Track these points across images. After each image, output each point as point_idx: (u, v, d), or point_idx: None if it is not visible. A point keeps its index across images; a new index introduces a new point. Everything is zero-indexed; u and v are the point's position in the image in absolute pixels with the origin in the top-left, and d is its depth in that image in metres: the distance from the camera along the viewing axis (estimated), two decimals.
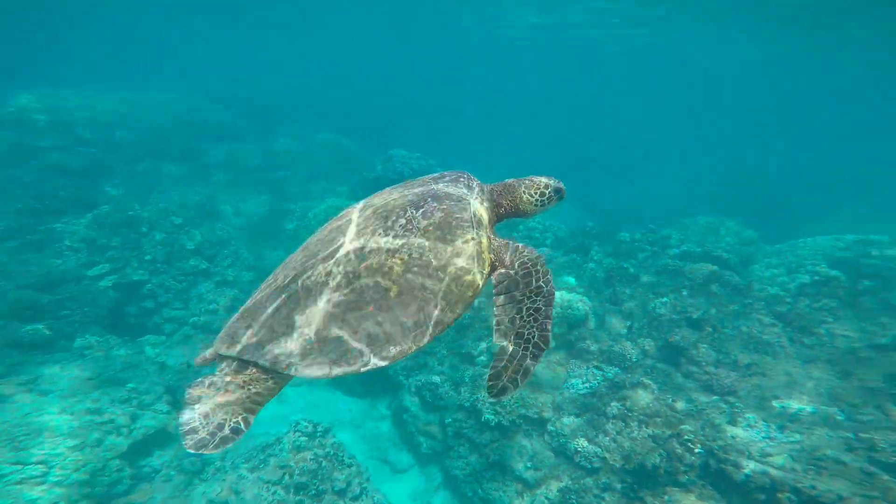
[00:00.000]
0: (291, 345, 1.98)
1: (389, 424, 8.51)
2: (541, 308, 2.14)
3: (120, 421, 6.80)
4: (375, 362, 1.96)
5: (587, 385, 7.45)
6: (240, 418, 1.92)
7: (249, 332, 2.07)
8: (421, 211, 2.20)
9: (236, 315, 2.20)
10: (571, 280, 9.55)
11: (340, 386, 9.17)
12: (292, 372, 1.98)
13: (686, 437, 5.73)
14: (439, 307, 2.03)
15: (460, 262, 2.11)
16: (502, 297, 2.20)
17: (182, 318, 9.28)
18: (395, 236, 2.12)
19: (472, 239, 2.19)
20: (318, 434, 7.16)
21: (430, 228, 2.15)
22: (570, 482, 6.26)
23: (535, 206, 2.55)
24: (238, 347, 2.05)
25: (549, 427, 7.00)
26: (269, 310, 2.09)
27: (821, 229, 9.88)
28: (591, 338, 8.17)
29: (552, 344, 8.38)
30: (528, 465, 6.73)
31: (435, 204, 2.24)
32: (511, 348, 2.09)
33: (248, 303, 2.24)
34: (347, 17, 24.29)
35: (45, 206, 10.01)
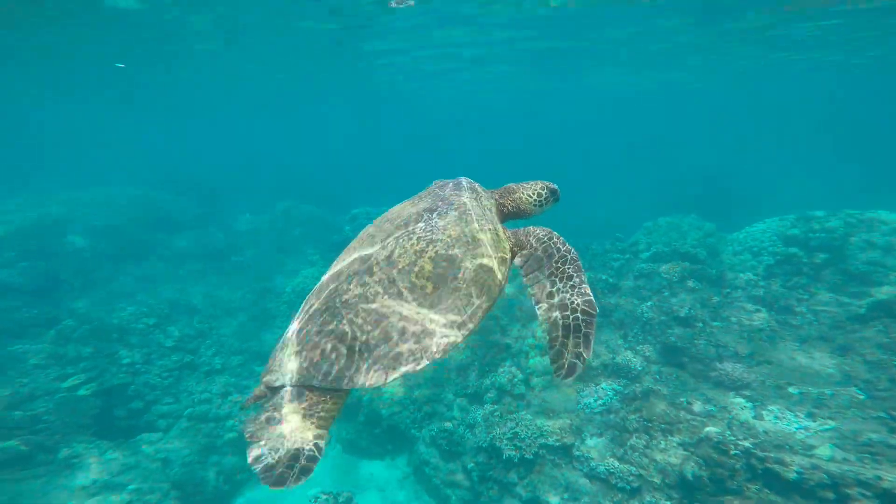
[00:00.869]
0: (343, 359, 1.86)
1: (413, 481, 7.35)
2: (572, 274, 2.02)
3: None
4: (428, 358, 1.83)
5: (601, 402, 6.64)
6: (311, 445, 1.72)
7: (297, 357, 1.93)
8: (436, 213, 2.14)
9: (278, 346, 2.05)
10: None
11: (354, 451, 7.99)
12: (351, 385, 1.85)
13: (715, 439, 4.97)
14: (474, 294, 1.94)
15: (482, 250, 2.05)
16: (531, 275, 2.09)
17: (176, 411, 7.98)
18: (418, 239, 2.03)
19: (489, 229, 2.14)
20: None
21: (449, 226, 2.08)
22: None
23: (534, 205, 2.46)
24: (289, 376, 1.91)
25: (575, 452, 6.09)
26: (313, 331, 1.95)
27: (767, 212, 9.71)
28: (591, 355, 7.44)
29: None
30: (566, 496, 5.74)
31: (447, 206, 2.19)
32: (561, 322, 1.90)
33: (287, 333, 2.06)
34: (291, 89, 23.77)
35: None
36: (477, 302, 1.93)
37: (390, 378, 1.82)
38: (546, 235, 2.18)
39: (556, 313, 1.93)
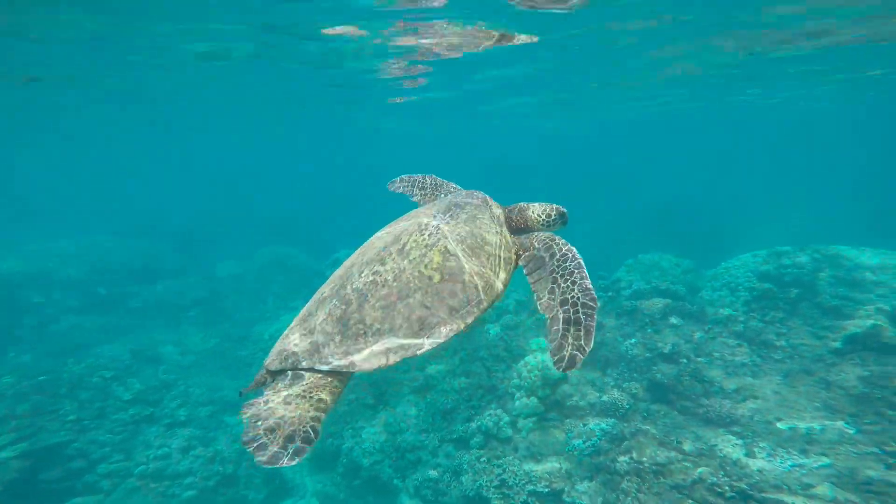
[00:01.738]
0: (347, 343, 1.91)
1: None
2: (574, 270, 2.07)
3: None
4: (430, 343, 1.91)
5: (589, 444, 6.32)
6: (308, 427, 1.73)
7: (302, 341, 1.99)
8: (449, 214, 2.26)
9: (284, 333, 2.10)
10: (542, 341, 8.71)
11: None
12: (353, 369, 1.90)
13: (709, 480, 4.72)
14: (479, 287, 2.03)
15: (490, 249, 2.16)
16: (534, 274, 2.16)
17: (124, 469, 7.20)
18: (430, 235, 2.13)
19: (496, 232, 2.24)
20: None
21: (459, 226, 2.19)
22: None
23: (542, 224, 2.50)
24: (292, 359, 1.96)
25: (565, 499, 5.70)
26: (321, 317, 2.02)
27: (741, 247, 9.95)
28: (577, 394, 7.19)
29: (541, 408, 7.30)
30: None
31: (459, 209, 2.31)
32: (562, 316, 1.94)
33: (295, 321, 2.14)
34: (265, 131, 24.02)
35: None
36: (481, 296, 2.01)
37: (391, 362, 1.88)
38: (548, 237, 2.27)
39: (558, 308, 1.97)
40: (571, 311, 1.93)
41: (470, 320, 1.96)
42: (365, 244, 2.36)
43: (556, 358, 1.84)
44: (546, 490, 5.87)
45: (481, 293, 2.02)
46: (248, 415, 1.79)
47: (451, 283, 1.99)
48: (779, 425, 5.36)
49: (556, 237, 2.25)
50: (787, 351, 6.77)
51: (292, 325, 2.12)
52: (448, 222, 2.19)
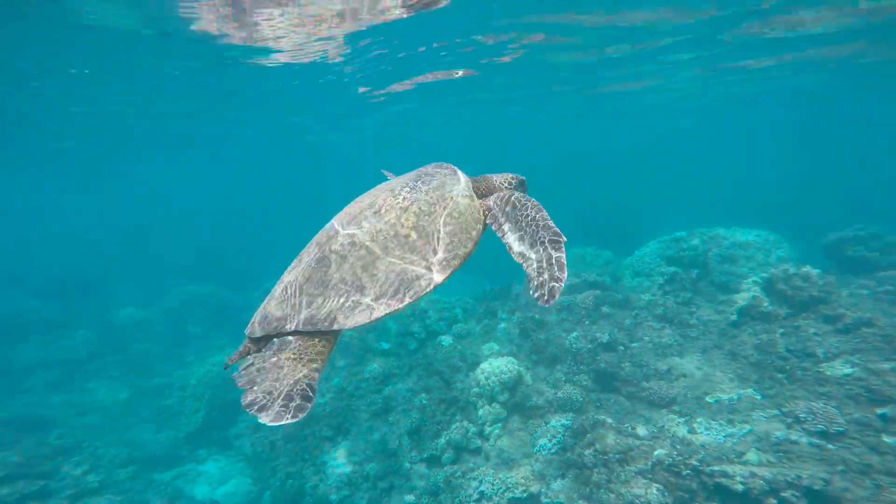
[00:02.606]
0: (330, 303, 1.99)
1: None
2: (534, 215, 2.21)
3: None
4: (411, 297, 1.99)
5: (555, 442, 6.79)
6: (304, 385, 1.80)
7: (283, 305, 2.05)
8: (420, 181, 2.36)
9: (264, 301, 2.16)
10: (494, 346, 9.04)
11: None
12: (337, 326, 1.96)
13: (666, 461, 5.43)
14: (454, 243, 2.15)
15: (460, 209, 2.27)
16: (502, 228, 2.26)
17: None
18: (404, 199, 2.24)
19: (465, 195, 2.36)
20: None
21: (431, 189, 2.30)
22: None
23: (504, 190, 2.64)
24: (275, 324, 2.01)
25: (544, 500, 6.07)
26: (300, 280, 2.08)
27: (648, 236, 11.33)
28: (534, 394, 7.64)
29: (504, 413, 7.61)
30: None
31: (430, 176, 2.41)
32: (534, 256, 2.07)
33: (274, 289, 2.19)
34: (168, 162, 21.01)
35: None
36: (455, 252, 2.14)
37: (374, 316, 1.95)
38: (505, 193, 2.43)
39: (529, 251, 2.11)
40: (541, 249, 2.06)
41: (447, 273, 2.09)
42: (340, 212, 2.42)
43: (536, 295, 1.94)
44: (524, 495, 6.19)
45: (455, 250, 2.15)
46: (243, 381, 1.84)
47: (426, 241, 2.12)
48: (707, 399, 6.34)
49: (514, 194, 2.40)
50: (699, 328, 7.97)
51: (272, 293, 2.17)
52: (420, 188, 2.31)
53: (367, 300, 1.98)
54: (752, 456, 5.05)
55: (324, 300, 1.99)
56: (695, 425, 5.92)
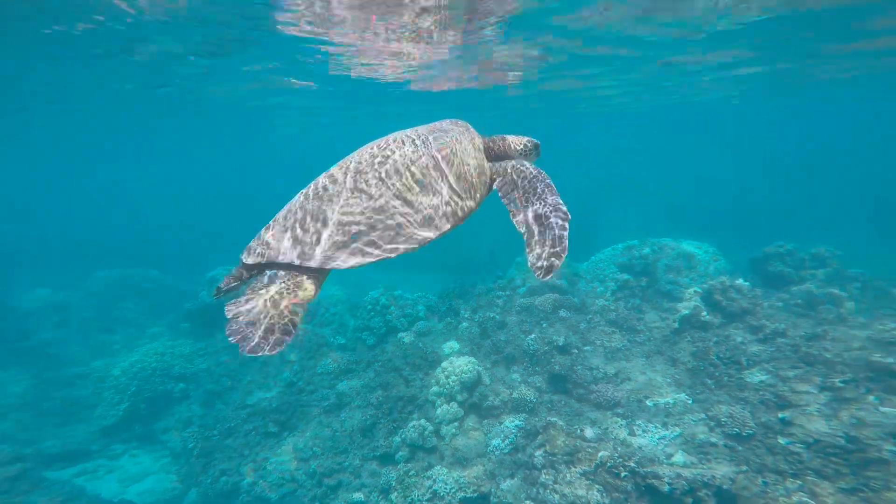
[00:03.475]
0: (325, 241, 1.99)
1: None
2: (544, 189, 2.25)
3: None
4: (405, 247, 2.03)
5: (507, 442, 7.12)
6: (287, 321, 1.87)
7: (280, 238, 2.06)
8: (433, 135, 2.34)
9: (261, 231, 2.16)
10: (455, 344, 9.23)
11: None
12: (329, 265, 1.97)
13: (608, 463, 5.86)
14: (455, 200, 2.19)
15: (468, 169, 2.30)
16: (508, 195, 2.31)
17: None
18: (413, 151, 2.21)
19: (474, 156, 2.39)
20: None
21: (443, 146, 2.28)
22: None
23: (519, 153, 2.69)
24: (269, 254, 2.02)
25: (493, 500, 6.39)
26: (300, 214, 2.09)
27: (603, 242, 11.91)
28: (491, 394, 7.93)
29: (461, 412, 7.86)
30: None
31: (444, 132, 2.39)
32: (536, 229, 2.12)
33: (273, 220, 2.19)
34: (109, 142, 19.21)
35: None
36: (456, 209, 2.19)
37: (367, 261, 2.00)
38: (520, 163, 2.45)
39: (532, 222, 2.16)
40: (545, 222, 2.12)
41: (444, 229, 2.13)
42: (349, 155, 2.41)
43: (534, 267, 2.02)
44: (475, 495, 6.47)
45: (457, 206, 2.19)
46: (231, 313, 1.91)
47: (429, 194, 2.13)
48: (647, 402, 6.86)
49: (527, 163, 2.45)
50: (646, 334, 8.55)
51: (270, 223, 2.17)
52: (430, 142, 2.30)
53: (360, 245, 2.00)
54: (679, 457, 5.57)
55: (319, 238, 2.00)
56: (634, 427, 6.41)
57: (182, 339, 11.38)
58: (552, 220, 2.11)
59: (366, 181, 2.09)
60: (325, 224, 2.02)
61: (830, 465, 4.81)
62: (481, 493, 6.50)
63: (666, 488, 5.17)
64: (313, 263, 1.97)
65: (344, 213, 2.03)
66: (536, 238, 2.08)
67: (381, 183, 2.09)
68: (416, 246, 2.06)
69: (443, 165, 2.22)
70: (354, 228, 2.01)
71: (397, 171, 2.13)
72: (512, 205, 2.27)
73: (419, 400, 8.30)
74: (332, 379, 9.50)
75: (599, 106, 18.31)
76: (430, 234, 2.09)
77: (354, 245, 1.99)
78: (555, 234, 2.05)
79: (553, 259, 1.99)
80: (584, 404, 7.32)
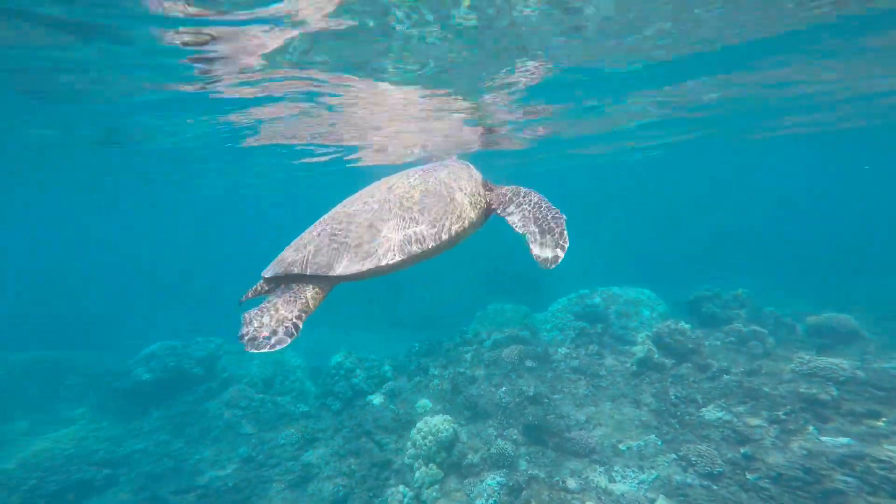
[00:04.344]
0: (331, 254, 2.34)
1: None
2: (538, 201, 2.62)
3: None
4: (401, 257, 2.34)
5: (491, 502, 7.00)
6: (290, 324, 2.16)
7: (296, 253, 2.41)
8: (434, 168, 2.76)
9: (282, 252, 2.50)
10: (427, 402, 9.10)
11: None
12: (333, 272, 2.30)
13: None
14: (450, 220, 2.48)
15: (463, 194, 2.63)
16: (507, 209, 2.65)
17: None
18: (415, 179, 2.63)
19: (471, 184, 2.74)
20: None
21: (441, 175, 2.68)
22: None
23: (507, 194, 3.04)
24: (284, 267, 2.37)
25: None
26: (314, 234, 2.47)
27: (557, 293, 12.70)
28: (469, 451, 7.83)
29: (440, 474, 7.63)
30: None
31: (443, 166, 2.81)
32: (536, 229, 2.45)
33: (292, 243, 2.55)
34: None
35: None
36: (451, 227, 2.47)
37: (365, 268, 2.30)
38: (514, 187, 2.81)
39: (532, 225, 2.49)
40: (544, 224, 2.46)
41: (432, 246, 2.41)
42: (362, 189, 2.81)
43: (540, 260, 2.35)
44: None
45: (452, 225, 2.48)
46: (246, 318, 2.21)
47: (426, 213, 2.45)
48: (620, 447, 7.20)
49: (518, 188, 2.79)
50: (608, 378, 9.08)
51: (290, 245, 2.53)
52: (431, 173, 2.67)
53: (362, 256, 2.32)
54: (661, 501, 5.87)
55: (327, 251, 2.34)
56: (613, 474, 6.66)
57: (108, 422, 10.00)
58: (550, 221, 2.47)
59: (370, 207, 2.53)
60: (332, 240, 2.43)
61: (799, 499, 5.35)
62: None
63: None
64: (319, 272, 2.31)
65: (350, 231, 2.48)
66: (538, 237, 2.42)
67: (381, 207, 2.51)
68: (406, 258, 2.37)
69: (440, 190, 2.62)
70: (356, 242, 2.41)
71: (398, 197, 2.55)
72: (511, 217, 2.61)
73: (395, 465, 7.95)
74: (296, 450, 8.80)
75: (535, 166, 19.92)
76: (422, 249, 2.41)
77: (356, 254, 2.35)
78: (556, 231, 2.42)
79: (558, 250, 2.36)
80: (561, 454, 7.49)
